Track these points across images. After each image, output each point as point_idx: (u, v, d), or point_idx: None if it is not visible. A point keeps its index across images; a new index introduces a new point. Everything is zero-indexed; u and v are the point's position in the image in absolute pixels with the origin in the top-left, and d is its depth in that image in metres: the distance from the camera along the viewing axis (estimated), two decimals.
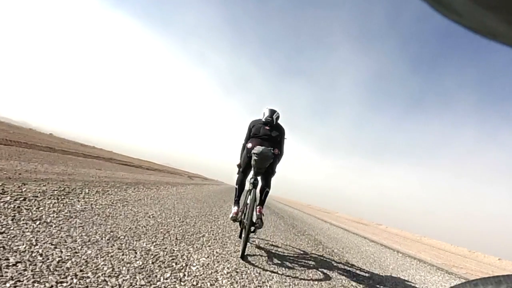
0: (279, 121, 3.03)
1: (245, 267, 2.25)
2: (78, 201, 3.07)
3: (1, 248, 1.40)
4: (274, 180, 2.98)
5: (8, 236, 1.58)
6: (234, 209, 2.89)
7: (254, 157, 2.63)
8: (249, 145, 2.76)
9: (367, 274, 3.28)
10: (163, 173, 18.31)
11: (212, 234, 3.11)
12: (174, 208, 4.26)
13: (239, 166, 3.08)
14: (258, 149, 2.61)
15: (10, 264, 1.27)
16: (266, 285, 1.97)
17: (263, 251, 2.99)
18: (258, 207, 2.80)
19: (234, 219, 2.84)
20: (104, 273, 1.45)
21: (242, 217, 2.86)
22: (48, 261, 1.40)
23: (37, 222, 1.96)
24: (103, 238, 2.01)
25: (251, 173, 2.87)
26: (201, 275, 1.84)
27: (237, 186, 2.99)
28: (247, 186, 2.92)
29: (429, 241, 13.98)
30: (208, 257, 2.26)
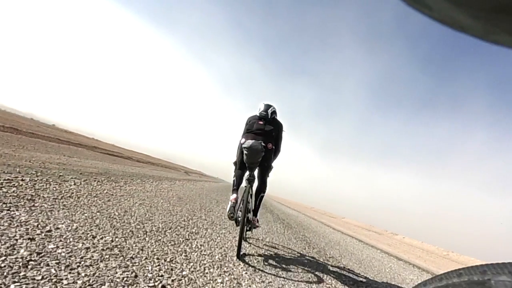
0: (276, 117, 2.91)
1: None
2: None
3: None
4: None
5: None
6: (233, 196, 2.58)
7: (245, 152, 2.56)
8: (242, 140, 2.67)
9: None
10: (156, 166, 16.67)
11: None
12: (125, 214, 2.58)
13: (235, 163, 2.87)
14: (248, 143, 2.54)
15: None
16: None
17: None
18: (251, 217, 2.68)
19: (232, 215, 2.45)
20: None
21: (237, 214, 2.57)
22: None
23: None
24: None
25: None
26: None
27: (234, 178, 2.75)
28: (243, 183, 2.69)
29: (458, 257, 12.06)
30: None
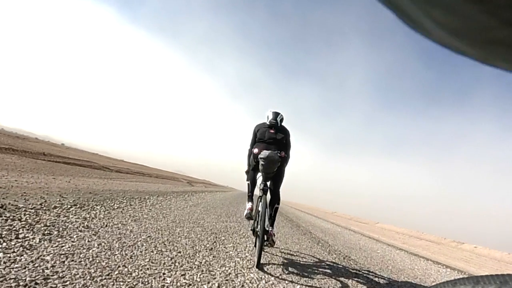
0: (283, 123, 2.88)
1: None
2: None
3: None
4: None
5: None
6: (248, 205, 2.70)
7: (261, 162, 2.52)
8: (255, 150, 2.67)
9: None
10: (146, 177, 13.21)
11: None
12: None
13: (247, 172, 2.91)
14: (264, 153, 2.51)
15: None
16: None
17: None
18: (269, 228, 2.46)
19: (249, 217, 2.64)
20: None
21: (255, 225, 2.60)
22: None
23: None
24: None
25: (260, 178, 2.72)
26: None
27: (249, 182, 2.83)
28: (257, 191, 2.75)
29: None
30: None
